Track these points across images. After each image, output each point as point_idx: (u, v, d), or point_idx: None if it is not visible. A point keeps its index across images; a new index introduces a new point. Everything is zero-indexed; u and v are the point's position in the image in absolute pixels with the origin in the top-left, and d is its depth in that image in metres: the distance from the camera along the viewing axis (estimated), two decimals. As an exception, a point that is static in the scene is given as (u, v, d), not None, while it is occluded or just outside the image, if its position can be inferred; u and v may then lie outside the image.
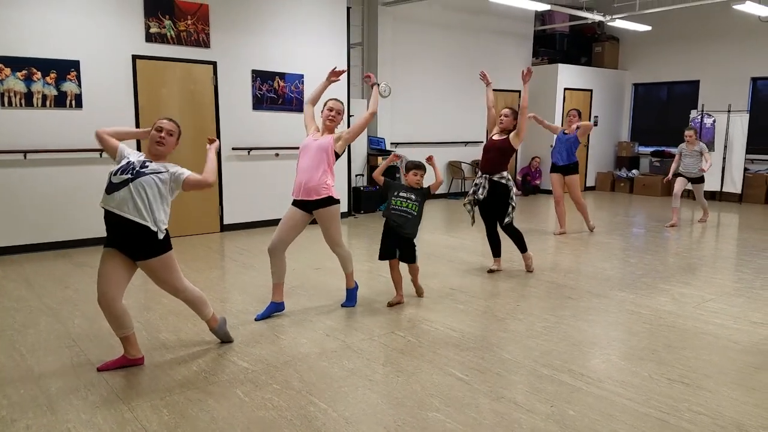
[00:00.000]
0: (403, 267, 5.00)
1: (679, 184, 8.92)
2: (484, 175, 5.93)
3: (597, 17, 11.33)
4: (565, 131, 8.26)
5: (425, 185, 4.94)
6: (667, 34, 13.14)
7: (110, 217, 3.48)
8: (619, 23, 11.59)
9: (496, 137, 6.02)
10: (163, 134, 3.65)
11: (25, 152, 6.58)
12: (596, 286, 5.61)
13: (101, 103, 7.04)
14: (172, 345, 4.04)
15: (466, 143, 12.29)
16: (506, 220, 5.91)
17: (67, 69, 6.76)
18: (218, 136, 7.99)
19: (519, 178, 13.03)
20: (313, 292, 5.34)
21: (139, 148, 6.58)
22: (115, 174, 3.49)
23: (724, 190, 11.79)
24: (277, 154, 8.52)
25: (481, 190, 5.91)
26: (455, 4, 11.50)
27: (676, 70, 13.27)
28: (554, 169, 8.33)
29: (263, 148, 8.34)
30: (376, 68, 10.51)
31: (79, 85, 6.87)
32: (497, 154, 5.89)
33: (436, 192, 4.98)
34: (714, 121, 11.78)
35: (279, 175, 8.48)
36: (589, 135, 13.21)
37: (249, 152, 8.30)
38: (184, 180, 3.68)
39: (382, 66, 10.54)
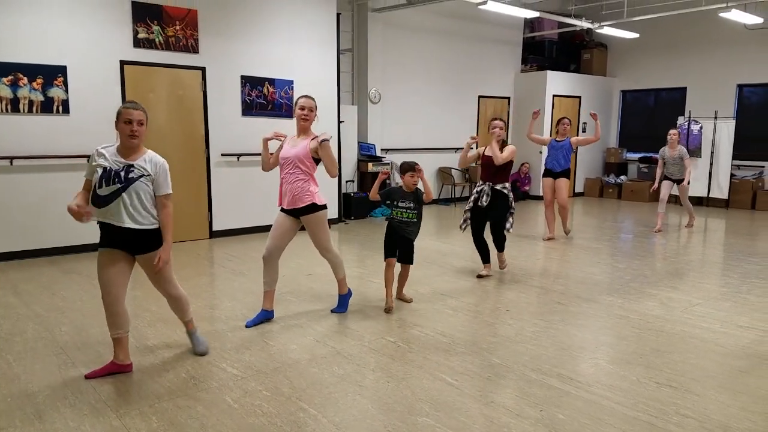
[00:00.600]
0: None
1: (665, 189, 9.00)
2: (487, 183, 6.04)
3: (585, 24, 11.43)
4: (558, 139, 8.34)
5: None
6: (654, 41, 13.26)
7: (107, 225, 3.48)
8: (607, 30, 11.69)
9: (489, 153, 6.07)
10: (134, 126, 3.45)
11: (11, 158, 6.54)
12: (585, 290, 5.63)
13: (88, 109, 7.01)
14: (160, 352, 4.02)
15: (456, 149, 12.32)
16: (507, 226, 6.08)
17: (54, 74, 6.73)
18: (207, 142, 7.97)
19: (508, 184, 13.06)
20: (303, 298, 5.32)
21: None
22: (100, 186, 3.41)
23: (711, 195, 11.89)
24: (266, 160, 8.50)
25: (484, 197, 5.99)
26: (445, 11, 11.55)
27: (663, 77, 13.38)
28: (547, 174, 8.44)
29: (253, 154, 8.32)
30: (366, 74, 10.54)
31: (66, 91, 6.83)
32: (496, 169, 6.03)
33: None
34: (701, 128, 11.89)
35: (268, 182, 8.45)
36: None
37: (238, 158, 8.28)
38: (160, 195, 3.57)
39: (372, 72, 10.57)
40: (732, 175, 11.79)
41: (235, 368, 3.75)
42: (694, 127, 11.97)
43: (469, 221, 6.15)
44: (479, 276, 6.10)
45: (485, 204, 5.99)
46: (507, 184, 6.10)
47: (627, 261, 6.93)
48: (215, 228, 8.20)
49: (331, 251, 4.79)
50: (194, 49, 7.70)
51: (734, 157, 11.67)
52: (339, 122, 9.44)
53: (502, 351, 4.07)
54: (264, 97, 8.43)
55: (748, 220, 10.32)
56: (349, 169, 10.44)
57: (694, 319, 4.79)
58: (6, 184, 6.60)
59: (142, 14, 7.23)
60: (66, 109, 6.85)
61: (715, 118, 11.69)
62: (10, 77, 6.47)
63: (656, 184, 9.18)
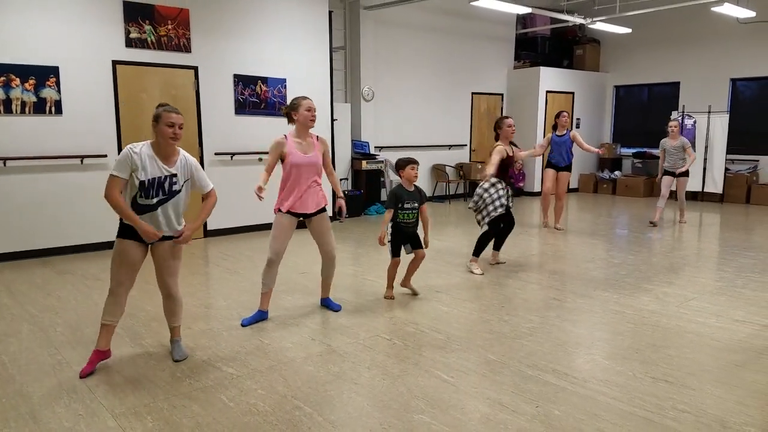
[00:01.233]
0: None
1: (667, 185, 9.03)
2: (506, 186, 6.20)
3: (578, 20, 11.43)
4: (559, 134, 8.43)
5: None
6: (647, 36, 13.27)
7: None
8: (600, 26, 11.69)
9: (509, 153, 6.22)
10: (177, 129, 3.53)
11: (4, 159, 6.50)
12: (580, 286, 5.64)
13: (81, 109, 6.98)
14: (155, 351, 4.01)
15: (450, 147, 12.33)
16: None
17: (46, 75, 6.70)
18: (200, 141, 7.95)
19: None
20: (298, 296, 5.31)
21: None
22: (143, 197, 3.51)
23: (705, 190, 11.92)
24: (260, 159, 8.48)
25: (509, 199, 6.24)
26: (437, 8, 11.53)
27: (656, 71, 13.41)
28: (550, 165, 8.64)
29: (246, 153, 8.30)
30: (359, 72, 10.52)
31: (59, 91, 6.80)
32: (507, 170, 6.22)
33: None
34: (695, 122, 11.92)
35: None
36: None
37: (232, 157, 8.26)
38: (205, 193, 3.83)
39: (364, 69, 10.55)
40: (726, 170, 11.83)
41: (230, 367, 3.74)
42: (688, 122, 12.00)
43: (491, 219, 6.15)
44: (498, 263, 6.48)
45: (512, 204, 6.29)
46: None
47: (622, 256, 6.94)
48: (209, 227, 8.18)
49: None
50: (186, 49, 7.68)
51: (728, 152, 11.71)
52: (332, 120, 9.43)
53: (497, 347, 4.07)
54: (257, 96, 8.41)
55: (743, 214, 10.35)
56: (342, 167, 10.42)
57: (690, 314, 4.80)
58: (-2, 185, 6.58)
59: (133, 14, 7.20)
60: (59, 110, 6.82)
61: (709, 112, 11.71)
62: (2, 78, 6.43)
63: (660, 176, 9.20)
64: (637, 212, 10.52)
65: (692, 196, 12.05)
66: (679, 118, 11.99)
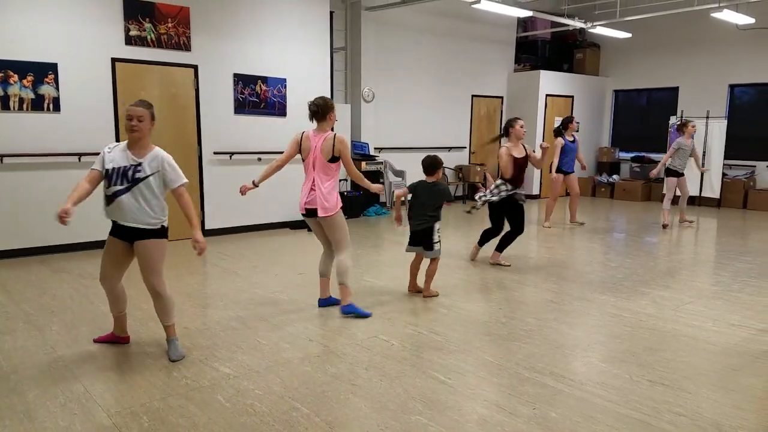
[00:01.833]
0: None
1: (675, 185, 9.16)
2: (515, 189, 6.28)
3: (578, 24, 11.44)
4: (570, 140, 8.89)
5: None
6: (647, 41, 13.30)
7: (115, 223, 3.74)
8: (600, 30, 11.71)
9: (518, 154, 6.25)
10: (133, 122, 3.66)
11: (1, 156, 6.49)
12: (577, 289, 5.64)
13: (79, 107, 6.96)
14: (152, 351, 4.00)
15: (450, 149, 12.32)
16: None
17: (44, 72, 6.68)
18: (199, 140, 7.94)
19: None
20: (294, 296, 5.30)
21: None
22: (107, 186, 3.66)
23: (702, 195, 11.93)
24: (259, 159, 8.47)
25: (522, 199, 6.36)
26: (438, 10, 11.54)
27: (655, 76, 13.43)
28: (561, 171, 9.02)
29: (245, 152, 8.30)
30: (359, 73, 10.52)
31: (57, 88, 6.79)
32: (523, 170, 6.33)
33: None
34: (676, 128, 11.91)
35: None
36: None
37: (231, 157, 8.25)
38: (175, 189, 3.77)
39: (365, 71, 10.55)
40: (724, 175, 11.85)
41: (227, 367, 3.73)
42: (686, 127, 11.99)
43: (482, 205, 6.34)
44: (505, 264, 6.50)
45: (525, 201, 6.42)
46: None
47: (619, 260, 6.94)
48: (208, 227, 8.16)
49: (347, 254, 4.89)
50: (186, 47, 7.67)
51: (726, 157, 11.72)
52: (332, 121, 9.41)
53: (495, 349, 4.07)
54: (257, 96, 8.40)
55: (740, 219, 10.36)
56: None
57: (686, 318, 4.80)
58: (-4, 183, 6.57)
59: (133, 11, 7.19)
60: (57, 107, 6.80)
61: (707, 117, 11.73)
62: (0, 74, 6.42)
63: (654, 172, 9.13)
64: (634, 216, 10.53)
65: (690, 201, 12.03)
66: (675, 125, 11.99)
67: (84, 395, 3.31)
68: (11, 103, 6.51)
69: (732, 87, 12.33)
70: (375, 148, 10.93)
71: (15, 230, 6.70)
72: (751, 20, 10.63)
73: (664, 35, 13.04)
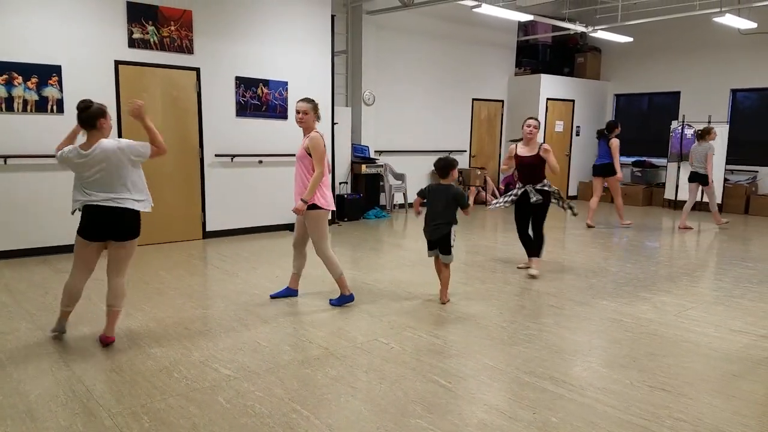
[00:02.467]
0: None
1: (696, 191, 9.46)
2: (526, 186, 6.18)
3: (579, 28, 11.46)
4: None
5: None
6: (648, 45, 13.31)
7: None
8: (601, 34, 11.73)
9: (526, 153, 6.21)
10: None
11: (5, 157, 6.50)
12: (578, 294, 5.64)
13: (83, 108, 6.97)
14: (153, 352, 4.00)
15: (450, 152, 12.33)
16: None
17: (48, 74, 6.70)
18: (201, 143, 7.96)
19: (502, 186, 13.09)
20: (295, 299, 5.31)
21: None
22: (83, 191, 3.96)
23: (704, 200, 11.90)
24: (260, 161, 8.49)
25: (533, 197, 6.09)
26: (439, 14, 11.56)
27: (657, 81, 13.44)
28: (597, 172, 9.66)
29: (247, 155, 8.31)
30: (360, 76, 10.54)
31: (61, 90, 6.81)
32: (532, 168, 6.19)
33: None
34: (694, 132, 11.91)
35: (262, 183, 8.45)
36: (570, 145, 13.43)
37: (232, 159, 8.26)
38: (150, 152, 4.14)
39: (366, 74, 10.57)
40: (725, 180, 11.84)
41: (227, 369, 3.73)
42: (688, 132, 12.01)
43: (501, 206, 6.36)
44: (525, 269, 6.48)
45: (539, 201, 6.11)
46: (546, 181, 6.20)
47: (620, 264, 6.94)
48: (208, 228, 8.17)
49: (324, 252, 5.06)
50: (189, 50, 7.69)
51: (728, 162, 11.71)
52: (333, 124, 9.44)
53: (495, 353, 4.07)
54: (258, 98, 8.42)
55: (742, 224, 10.36)
56: (342, 170, 10.43)
57: (688, 323, 4.80)
58: (0, 183, 6.58)
59: (137, 14, 7.21)
60: (60, 109, 6.82)
61: (709, 122, 11.73)
62: (4, 76, 6.44)
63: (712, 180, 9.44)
64: (636, 221, 10.52)
65: (692, 206, 12.05)
66: (677, 130, 12.01)
67: (85, 395, 3.32)
68: (15, 105, 6.53)
69: (734, 92, 12.33)
70: (375, 152, 10.94)
71: (18, 231, 6.72)
72: (753, 25, 10.64)
73: (666, 39, 13.05)
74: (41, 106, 6.69)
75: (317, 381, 3.58)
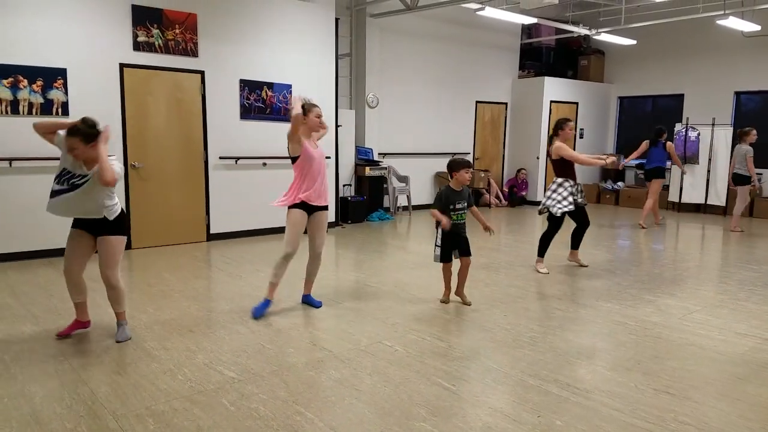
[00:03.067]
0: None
1: (743, 192, 9.53)
2: (575, 183, 6.52)
3: (583, 31, 11.47)
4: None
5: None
6: (651, 48, 13.30)
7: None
8: (605, 37, 11.73)
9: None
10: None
11: (10, 160, 6.53)
12: (583, 296, 5.63)
13: (88, 111, 6.89)
14: (157, 354, 4.01)
15: (454, 154, 12.32)
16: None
17: (53, 77, 6.73)
18: (205, 145, 7.97)
19: (506, 189, 13.09)
20: (299, 301, 5.31)
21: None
22: (59, 181, 4.04)
23: (708, 203, 11.90)
24: (264, 164, 8.51)
25: (579, 197, 6.52)
26: (443, 17, 11.57)
27: (660, 83, 13.43)
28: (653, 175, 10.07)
29: (251, 157, 8.33)
30: (364, 79, 10.55)
31: (66, 93, 6.83)
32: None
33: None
34: (698, 135, 11.91)
35: (266, 185, 8.45)
36: (574, 147, 13.40)
37: (236, 161, 8.28)
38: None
39: (369, 76, 10.58)
40: (729, 182, 11.80)
41: (231, 371, 3.74)
42: (692, 134, 11.99)
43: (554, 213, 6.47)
44: (579, 265, 6.83)
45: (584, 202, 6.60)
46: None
47: (624, 267, 6.93)
48: (213, 231, 8.19)
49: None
50: (193, 53, 7.71)
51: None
52: (337, 126, 9.45)
53: (499, 356, 4.07)
54: (262, 101, 8.44)
55: (746, 227, 10.33)
56: (346, 173, 10.44)
57: (692, 326, 4.79)
58: (5, 186, 6.59)
59: (142, 18, 7.24)
60: (65, 112, 6.84)
61: (713, 125, 11.72)
62: (10, 79, 6.46)
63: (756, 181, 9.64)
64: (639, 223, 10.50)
65: (695, 209, 12.05)
66: (680, 132, 11.99)
67: (90, 398, 3.33)
68: (21, 108, 6.56)
69: (738, 94, 12.32)
70: (379, 154, 10.96)
71: (23, 233, 6.73)
72: (757, 27, 10.63)
73: (669, 42, 13.05)
74: (46, 108, 6.72)
75: (321, 384, 3.58)
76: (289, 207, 4.87)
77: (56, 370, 3.71)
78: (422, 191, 11.86)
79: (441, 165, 12.12)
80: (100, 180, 3.87)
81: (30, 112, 6.61)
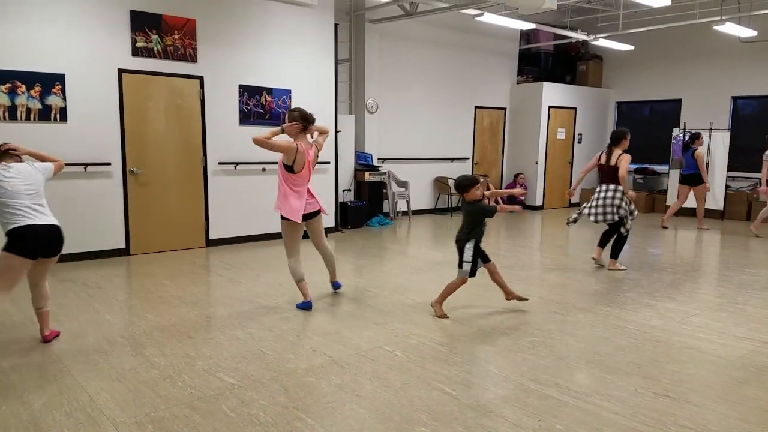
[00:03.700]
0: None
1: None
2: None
3: (581, 36, 11.50)
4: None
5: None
6: (649, 53, 13.34)
7: None
8: (603, 42, 11.76)
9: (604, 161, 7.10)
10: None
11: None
12: (582, 300, 5.63)
13: (86, 117, 7.00)
14: (156, 361, 4.00)
15: (453, 159, 12.36)
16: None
17: (52, 82, 6.73)
18: (204, 151, 7.97)
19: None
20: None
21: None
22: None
23: (706, 207, 11.90)
24: (263, 169, 8.51)
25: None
26: (441, 22, 11.60)
27: (658, 88, 13.47)
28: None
29: (250, 162, 8.33)
30: (363, 84, 10.57)
31: (64, 99, 6.83)
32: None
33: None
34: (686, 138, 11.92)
35: (265, 191, 8.45)
36: (573, 152, 13.47)
37: (235, 167, 8.28)
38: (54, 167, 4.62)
39: (369, 82, 10.60)
40: (727, 187, 11.84)
41: (231, 377, 3.73)
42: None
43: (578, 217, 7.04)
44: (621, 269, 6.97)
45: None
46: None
47: (623, 271, 6.93)
48: (212, 236, 8.18)
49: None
50: (192, 58, 7.72)
51: (729, 169, 11.71)
52: (336, 132, 9.46)
53: (499, 361, 4.07)
54: (262, 107, 8.45)
55: (744, 231, 10.34)
56: (346, 178, 10.44)
57: (692, 330, 4.79)
58: None
59: (140, 23, 7.25)
60: (64, 117, 6.84)
61: (710, 129, 11.74)
62: (8, 85, 6.46)
63: (764, 185, 9.58)
64: (638, 228, 10.51)
65: (693, 213, 12.05)
66: (678, 137, 12.02)
67: (89, 404, 3.32)
68: (18, 114, 6.56)
69: (735, 99, 12.35)
70: (378, 159, 10.96)
71: (20, 239, 6.71)
72: (754, 33, 10.67)
73: (667, 48, 13.09)
74: (44, 114, 6.72)
75: (321, 389, 3.57)
76: (282, 218, 5.10)
77: (55, 377, 3.70)
78: (421, 196, 11.87)
79: (440, 170, 12.14)
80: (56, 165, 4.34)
81: (28, 118, 6.61)
